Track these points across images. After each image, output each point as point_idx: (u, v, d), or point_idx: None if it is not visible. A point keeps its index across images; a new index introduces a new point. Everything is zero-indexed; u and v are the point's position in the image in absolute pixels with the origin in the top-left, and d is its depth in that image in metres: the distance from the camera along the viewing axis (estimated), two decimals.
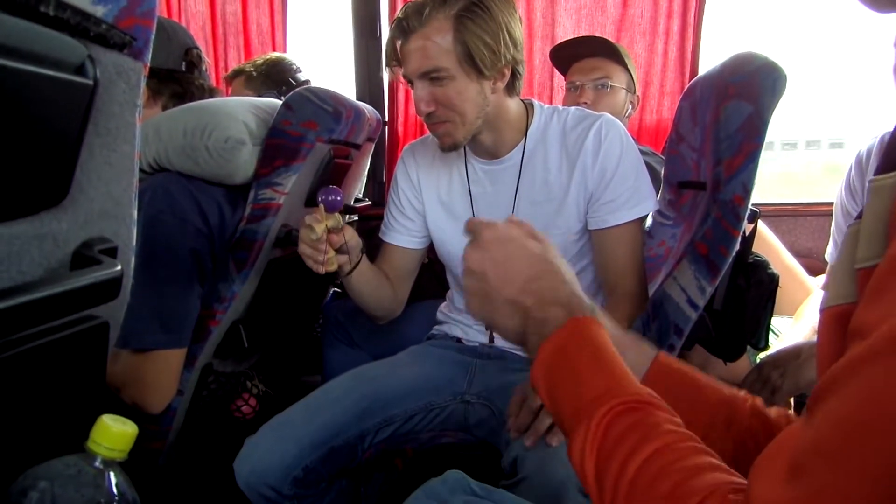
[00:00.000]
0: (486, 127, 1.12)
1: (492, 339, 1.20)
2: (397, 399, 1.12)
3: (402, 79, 1.10)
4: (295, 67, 1.77)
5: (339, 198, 1.02)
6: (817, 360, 0.43)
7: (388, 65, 1.11)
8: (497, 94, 1.10)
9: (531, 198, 1.16)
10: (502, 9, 1.05)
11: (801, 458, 0.35)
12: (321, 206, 1.02)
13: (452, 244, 1.23)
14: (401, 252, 1.27)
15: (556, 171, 1.15)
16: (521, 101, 1.19)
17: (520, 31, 1.09)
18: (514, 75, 1.11)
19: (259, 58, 1.81)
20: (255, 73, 1.73)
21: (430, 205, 1.25)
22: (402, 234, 1.27)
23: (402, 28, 1.05)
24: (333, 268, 1.06)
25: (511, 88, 1.12)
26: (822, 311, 0.43)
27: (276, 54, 1.83)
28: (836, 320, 0.41)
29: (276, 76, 1.73)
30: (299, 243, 1.05)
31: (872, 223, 0.39)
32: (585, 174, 1.12)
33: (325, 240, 1.03)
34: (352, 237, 1.09)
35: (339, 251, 1.07)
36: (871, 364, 0.33)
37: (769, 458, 0.38)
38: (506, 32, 1.05)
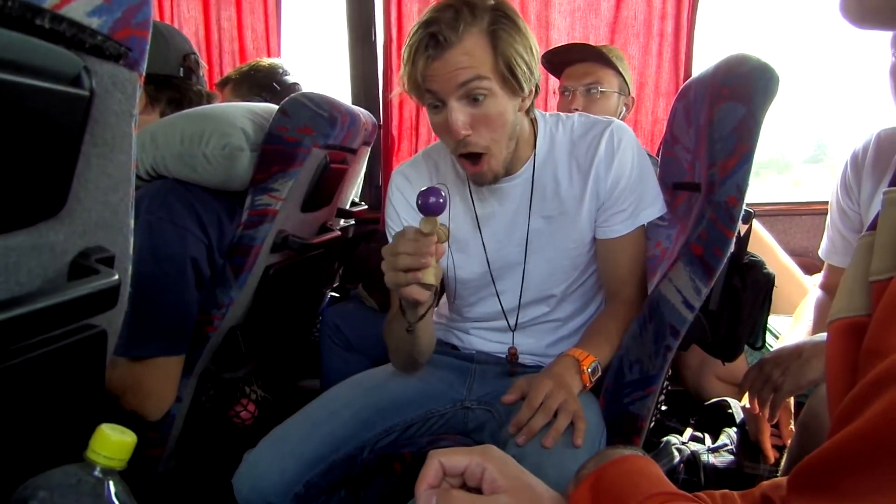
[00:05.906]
0: None
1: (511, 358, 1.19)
2: (397, 408, 1.11)
3: (423, 104, 0.99)
4: (280, 71, 1.74)
5: (440, 200, 0.83)
6: (827, 373, 0.42)
7: (413, 90, 0.98)
8: (521, 112, 1.04)
9: (544, 213, 1.11)
10: (522, 22, 0.98)
11: (827, 475, 0.35)
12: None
13: (459, 269, 1.17)
14: None
15: (567, 184, 1.10)
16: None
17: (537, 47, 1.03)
18: (535, 93, 1.05)
19: (244, 64, 1.81)
20: (239, 79, 1.72)
21: None
22: None
23: (437, 42, 0.91)
24: (430, 280, 0.87)
25: (530, 108, 1.07)
26: (830, 323, 0.42)
27: (262, 59, 1.82)
28: (848, 332, 0.40)
29: (260, 80, 1.71)
30: (398, 244, 0.86)
31: (887, 235, 0.39)
32: (598, 184, 1.08)
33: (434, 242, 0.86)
34: (439, 268, 0.91)
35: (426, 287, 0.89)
36: (892, 386, 0.32)
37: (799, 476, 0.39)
38: (531, 47, 0.98)
